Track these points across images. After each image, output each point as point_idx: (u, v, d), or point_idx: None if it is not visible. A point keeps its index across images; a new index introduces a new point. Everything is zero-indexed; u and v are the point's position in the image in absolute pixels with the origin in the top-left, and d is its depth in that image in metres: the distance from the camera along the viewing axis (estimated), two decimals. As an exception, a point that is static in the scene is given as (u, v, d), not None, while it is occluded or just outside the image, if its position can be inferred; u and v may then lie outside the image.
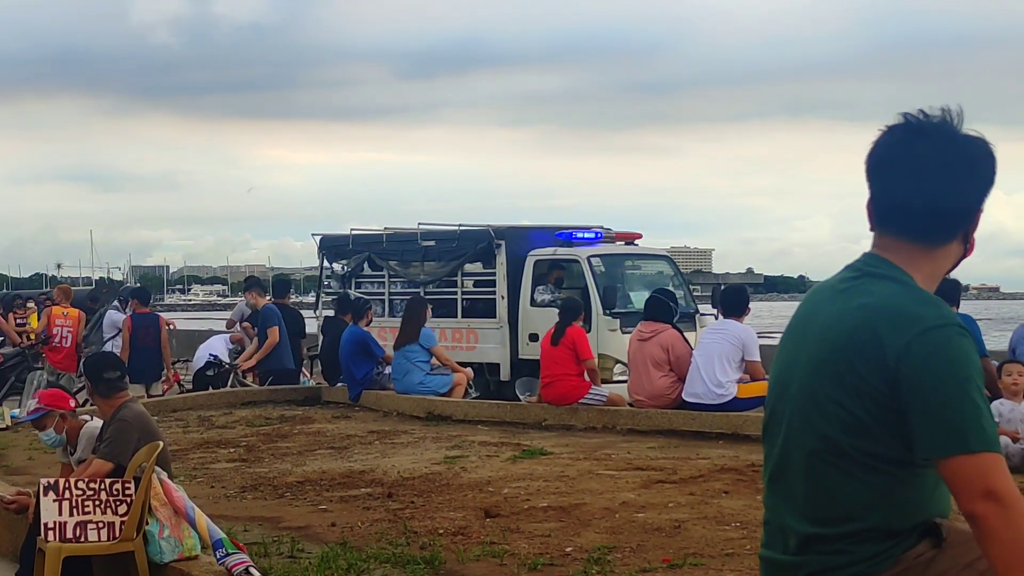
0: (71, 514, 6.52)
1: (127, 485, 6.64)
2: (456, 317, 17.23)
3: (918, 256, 2.64)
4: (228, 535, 6.46)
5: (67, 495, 6.53)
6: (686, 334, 12.86)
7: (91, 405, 9.91)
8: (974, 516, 2.42)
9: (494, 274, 16.82)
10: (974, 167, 2.62)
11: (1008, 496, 2.40)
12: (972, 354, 2.49)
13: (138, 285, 32.99)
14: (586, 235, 16.85)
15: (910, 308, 2.52)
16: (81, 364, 15.74)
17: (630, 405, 12.43)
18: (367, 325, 15.02)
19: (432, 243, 17.65)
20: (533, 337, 15.60)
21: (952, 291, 10.28)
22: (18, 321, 19.94)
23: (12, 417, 13.22)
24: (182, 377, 17.47)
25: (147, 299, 16.63)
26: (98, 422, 7.35)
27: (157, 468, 6.64)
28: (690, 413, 11.54)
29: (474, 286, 17.52)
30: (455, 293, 17.38)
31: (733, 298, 12.26)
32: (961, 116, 2.63)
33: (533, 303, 16.21)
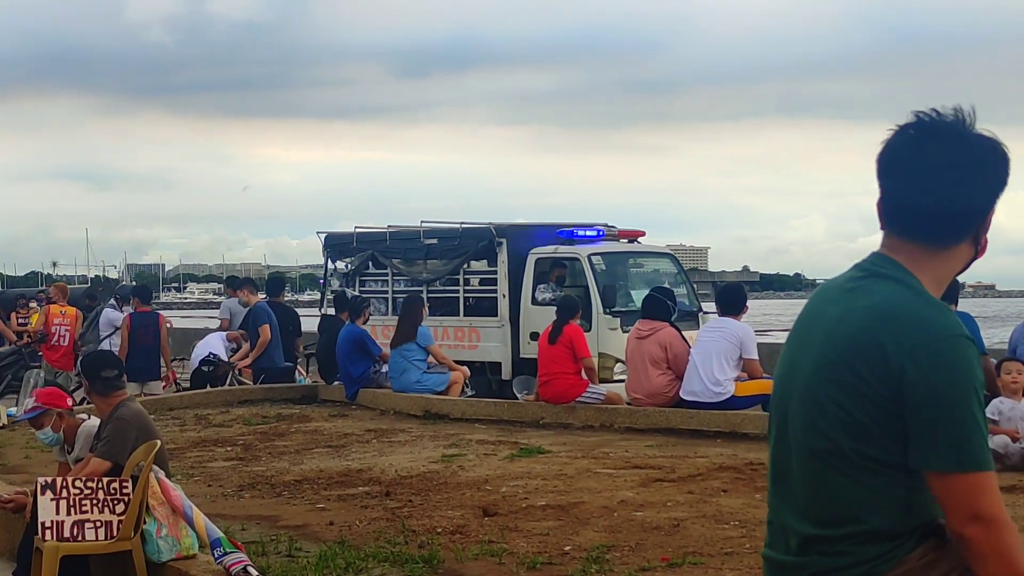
0: (68, 513, 6.49)
1: (125, 484, 6.62)
2: (458, 315, 17.17)
3: (927, 258, 2.61)
4: (226, 534, 6.45)
5: (64, 494, 6.50)
6: (689, 333, 12.84)
7: (88, 404, 9.89)
8: (963, 538, 2.43)
9: (496, 272, 16.78)
10: (984, 168, 2.59)
11: (997, 520, 2.41)
12: (976, 367, 2.48)
13: (134, 283, 32.99)
14: (588, 233, 16.75)
15: (916, 314, 2.50)
16: (78, 362, 15.70)
17: (628, 404, 12.42)
18: (364, 323, 14.99)
19: (435, 241, 17.59)
20: (534, 336, 15.52)
21: (951, 290, 10.23)
22: (20, 321, 19.93)
23: (9, 416, 13.20)
24: (179, 376, 17.45)
25: (148, 297, 16.60)
26: (96, 421, 7.33)
27: (155, 467, 6.62)
28: (688, 411, 11.53)
29: (476, 284, 17.48)
30: (457, 291, 17.33)
31: (731, 296, 12.25)
32: (974, 116, 2.60)
33: (534, 301, 16.12)
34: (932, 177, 2.56)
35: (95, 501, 6.54)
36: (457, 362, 15.30)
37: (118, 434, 6.86)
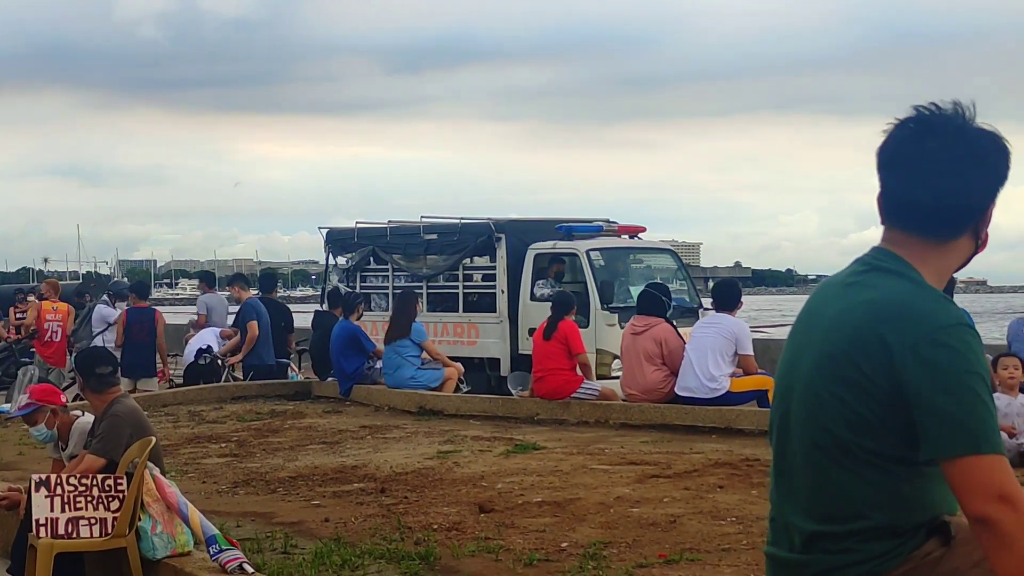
0: (63, 510, 6.47)
1: (119, 481, 6.59)
2: (457, 311, 17.12)
3: (927, 251, 2.61)
4: (221, 531, 6.42)
5: (59, 491, 6.47)
6: (689, 329, 12.80)
7: (80, 400, 9.85)
8: (987, 520, 2.37)
9: (495, 268, 16.72)
10: (983, 162, 2.59)
11: (1021, 500, 2.37)
12: (981, 354, 2.47)
13: (127, 280, 32.90)
14: (587, 228, 16.70)
15: (917, 306, 2.49)
16: (72, 359, 15.67)
17: (623, 400, 12.40)
18: (358, 319, 14.96)
19: (434, 237, 17.53)
20: (533, 332, 15.51)
21: (947, 286, 10.27)
22: (18, 315, 19.87)
23: (2, 412, 13.15)
24: (172, 372, 17.39)
25: (145, 293, 16.58)
26: (89, 417, 7.30)
27: (149, 464, 6.59)
28: (683, 407, 11.52)
29: (475, 280, 17.41)
30: (456, 287, 17.26)
31: (725, 292, 12.24)
32: (973, 110, 2.59)
33: (533, 297, 16.03)
34: (932, 171, 2.55)
35: (90, 498, 6.51)
36: (456, 358, 15.27)
37: (113, 431, 6.83)
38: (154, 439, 6.75)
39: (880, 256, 2.64)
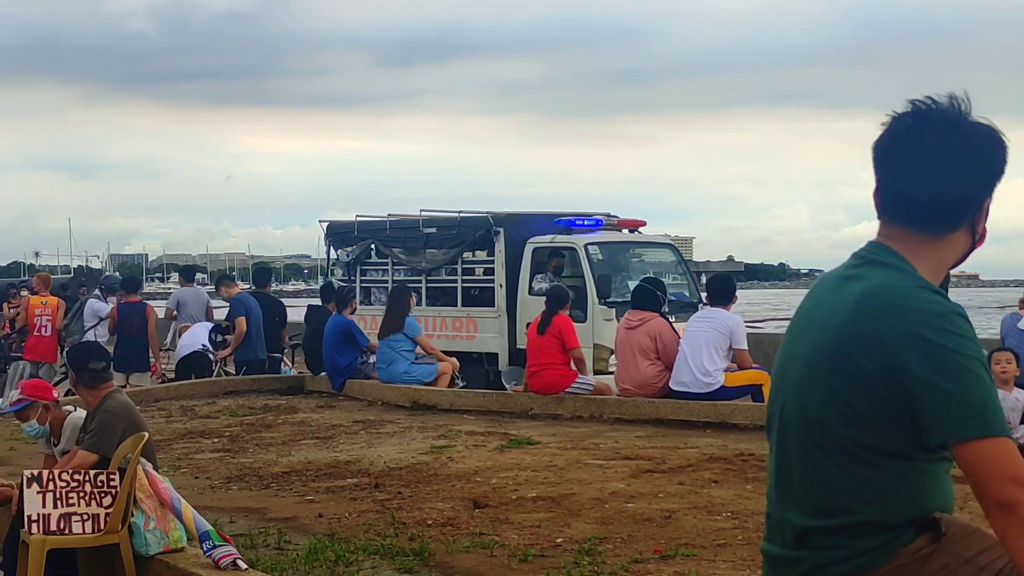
0: (55, 506, 6.43)
1: (112, 477, 6.56)
2: (456, 306, 17.06)
3: (922, 245, 2.60)
4: (214, 527, 6.39)
5: (51, 487, 6.44)
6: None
7: (72, 396, 9.81)
8: (1008, 503, 2.35)
9: (493, 262, 16.67)
10: (978, 155, 2.57)
11: None
12: (976, 340, 2.46)
13: (118, 274, 32.84)
14: (586, 222, 16.57)
15: (911, 296, 2.48)
16: (64, 354, 15.62)
17: (617, 395, 12.37)
18: (351, 313, 14.92)
19: (433, 230, 17.40)
20: (530, 326, 15.44)
21: (942, 281, 10.25)
22: (12, 309, 19.80)
23: (-7, 407, 13.09)
24: (164, 366, 17.34)
25: (135, 288, 16.53)
26: (82, 413, 7.26)
27: (142, 459, 6.56)
28: (677, 402, 11.50)
29: (473, 274, 17.35)
30: (455, 281, 17.20)
31: (720, 286, 12.22)
32: (969, 103, 2.58)
33: (531, 292, 15.90)
34: (927, 165, 2.55)
35: (82, 494, 6.48)
36: (454, 353, 15.23)
37: (105, 427, 6.79)
38: (147, 434, 6.71)
39: (875, 250, 2.63)
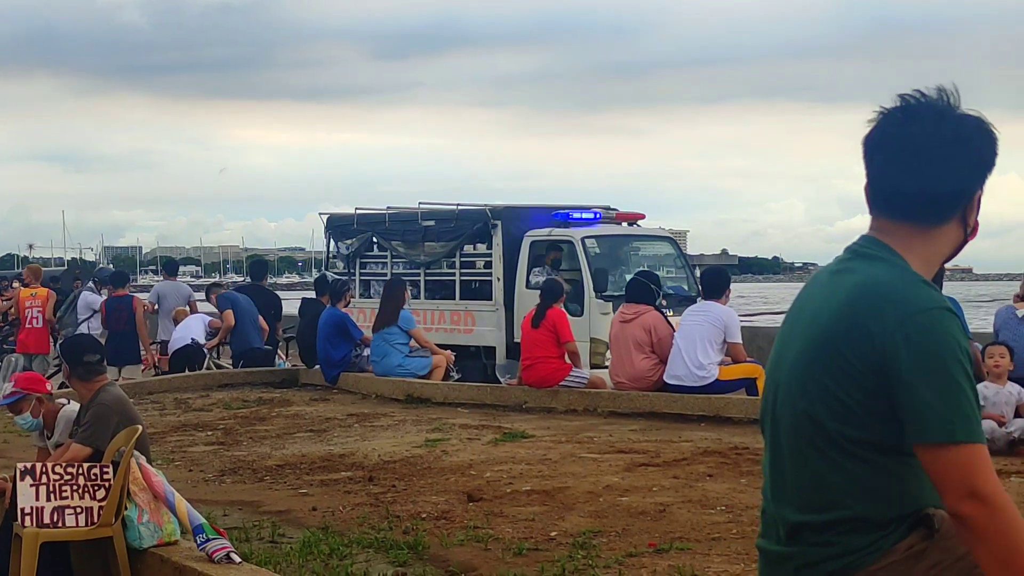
0: (48, 499, 6.42)
1: (105, 470, 6.55)
2: (454, 299, 17.02)
3: (914, 238, 2.59)
4: (208, 520, 6.38)
5: (44, 480, 6.43)
6: None
7: (64, 389, 9.79)
8: (960, 516, 2.38)
9: (491, 255, 16.62)
10: (967, 146, 2.57)
11: (994, 497, 2.37)
12: (961, 338, 2.45)
13: (112, 266, 32.81)
14: (584, 215, 16.49)
15: (898, 290, 2.48)
16: (58, 346, 15.61)
17: (611, 388, 12.37)
18: (345, 306, 14.90)
19: (432, 223, 17.36)
20: (528, 320, 15.36)
21: (936, 275, 10.24)
22: (5, 302, 19.78)
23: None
24: (157, 357, 17.32)
25: (121, 282, 16.52)
26: (75, 406, 7.24)
27: (136, 452, 6.54)
28: (672, 395, 11.50)
29: (472, 267, 17.31)
30: (453, 275, 17.16)
31: (713, 280, 12.22)
32: (958, 95, 2.58)
33: (529, 285, 15.82)
34: (915, 157, 2.55)
35: (75, 487, 6.47)
36: (452, 346, 15.21)
37: (99, 420, 6.78)
38: (140, 427, 6.70)
39: (866, 244, 2.64)
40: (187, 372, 15.42)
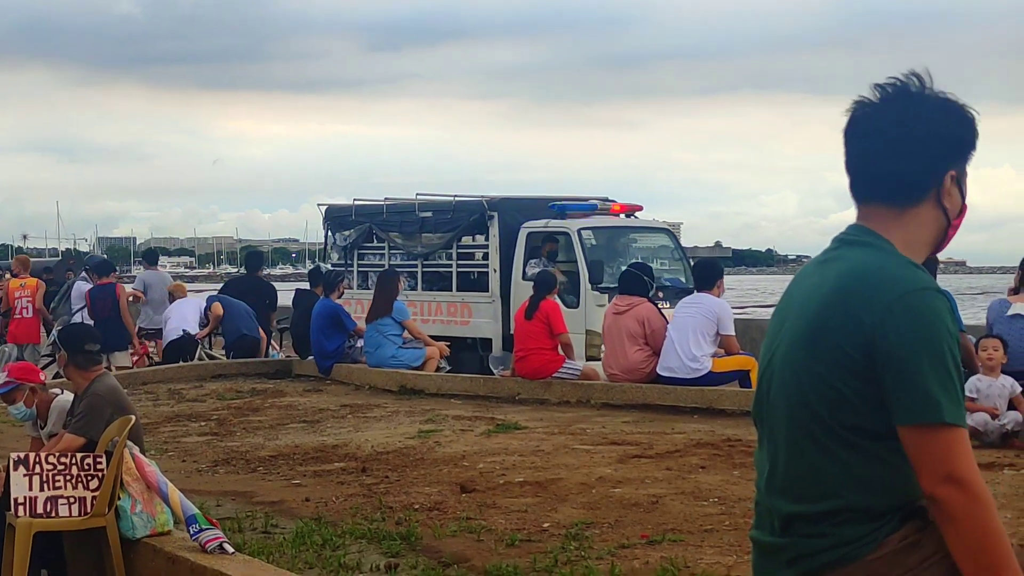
0: (42, 489, 6.41)
1: (99, 460, 6.54)
2: (451, 291, 17.00)
3: (891, 221, 2.61)
4: (201, 510, 6.38)
5: (38, 470, 6.41)
6: None
7: (58, 378, 9.78)
8: (935, 498, 2.39)
9: (487, 246, 16.62)
10: (936, 124, 2.59)
11: (971, 483, 2.37)
12: (948, 319, 2.46)
13: (104, 256, 32.77)
14: (580, 206, 16.50)
15: (885, 273, 2.49)
16: (54, 335, 15.60)
17: (604, 380, 12.37)
18: (339, 297, 14.89)
19: (429, 214, 17.29)
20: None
21: (930, 267, 10.25)
22: None
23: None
24: (150, 349, 17.31)
25: (105, 271, 16.51)
26: (69, 396, 7.23)
27: (129, 443, 6.54)
28: (665, 387, 11.51)
29: (468, 259, 17.30)
30: (450, 266, 17.12)
31: (705, 271, 12.23)
32: (930, 79, 2.61)
33: (525, 277, 15.69)
34: (881, 138, 2.59)
35: (69, 477, 6.46)
36: (449, 338, 15.19)
37: (92, 410, 6.77)
38: (134, 418, 6.69)
39: (852, 231, 2.66)
40: (180, 363, 15.42)
